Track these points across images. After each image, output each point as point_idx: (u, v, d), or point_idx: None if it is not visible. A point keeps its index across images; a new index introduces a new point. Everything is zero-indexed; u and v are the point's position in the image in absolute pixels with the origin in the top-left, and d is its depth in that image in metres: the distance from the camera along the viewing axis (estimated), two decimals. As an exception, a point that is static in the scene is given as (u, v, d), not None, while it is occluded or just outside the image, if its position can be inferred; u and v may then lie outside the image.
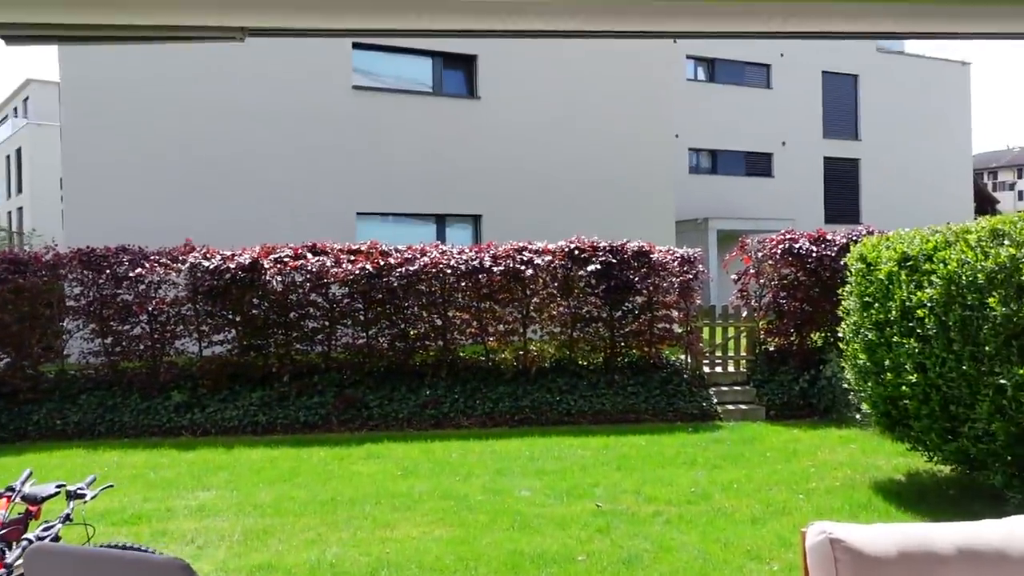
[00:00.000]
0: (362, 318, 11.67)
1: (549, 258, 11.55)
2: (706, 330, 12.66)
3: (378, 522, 6.73)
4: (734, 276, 12.90)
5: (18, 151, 40.88)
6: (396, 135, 17.65)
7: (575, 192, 18.80)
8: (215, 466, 8.83)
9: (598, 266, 11.48)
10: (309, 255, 11.38)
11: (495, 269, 11.35)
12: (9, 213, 42.55)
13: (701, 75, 29.42)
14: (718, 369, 12.52)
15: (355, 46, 17.36)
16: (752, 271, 12.67)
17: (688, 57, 28.53)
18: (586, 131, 19.13)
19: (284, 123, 16.66)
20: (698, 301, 12.40)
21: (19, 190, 41.13)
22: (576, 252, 11.63)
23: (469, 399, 11.22)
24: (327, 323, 11.71)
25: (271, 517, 6.94)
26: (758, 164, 29.92)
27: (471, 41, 17.72)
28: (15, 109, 47.15)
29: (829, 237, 11.99)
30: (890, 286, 7.08)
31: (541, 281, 11.69)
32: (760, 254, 12.55)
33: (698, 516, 6.79)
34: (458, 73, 18.76)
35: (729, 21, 2.63)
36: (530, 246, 11.71)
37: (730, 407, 11.61)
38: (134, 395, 11.06)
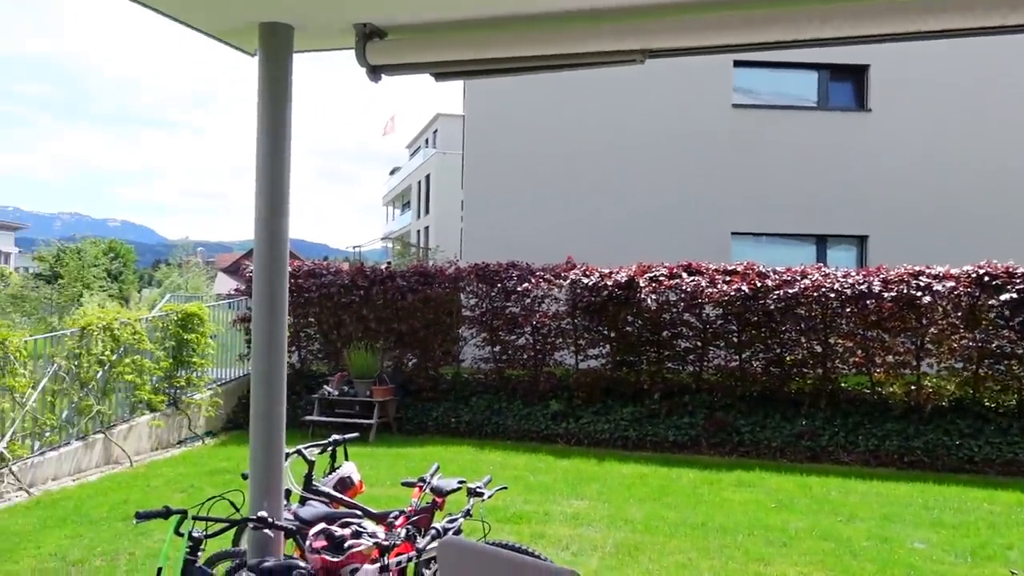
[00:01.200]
0: (735, 340, 11.35)
1: (952, 284, 10.28)
2: None
3: (751, 555, 6.42)
4: None
5: (427, 177, 46.40)
6: (775, 153, 17.02)
7: (981, 210, 16.62)
8: (587, 476, 9.10)
9: (1015, 295, 9.98)
10: (684, 274, 11.33)
11: (886, 295, 10.38)
12: (418, 232, 48.41)
13: None
14: None
15: (736, 64, 17.08)
16: None
17: None
18: (996, 140, 16.85)
19: (662, 145, 16.89)
20: None
21: (427, 211, 46.62)
22: (986, 278, 10.22)
23: (851, 433, 10.37)
24: (699, 343, 11.57)
25: (641, 534, 6.94)
26: None
27: (862, 50, 16.54)
28: (426, 140, 53.69)
29: None
30: None
31: (941, 310, 10.46)
32: None
33: None
34: (845, 85, 17.60)
35: None
36: (928, 270, 10.54)
37: None
38: (517, 401, 11.84)
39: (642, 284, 11.21)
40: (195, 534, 3.67)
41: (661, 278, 11.29)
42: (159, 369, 10.84)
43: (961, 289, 10.26)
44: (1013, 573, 6.09)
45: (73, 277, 34.06)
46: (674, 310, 11.33)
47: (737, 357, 11.42)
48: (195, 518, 3.68)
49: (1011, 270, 10.20)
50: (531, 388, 12.02)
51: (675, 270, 11.45)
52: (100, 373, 9.71)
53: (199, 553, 3.71)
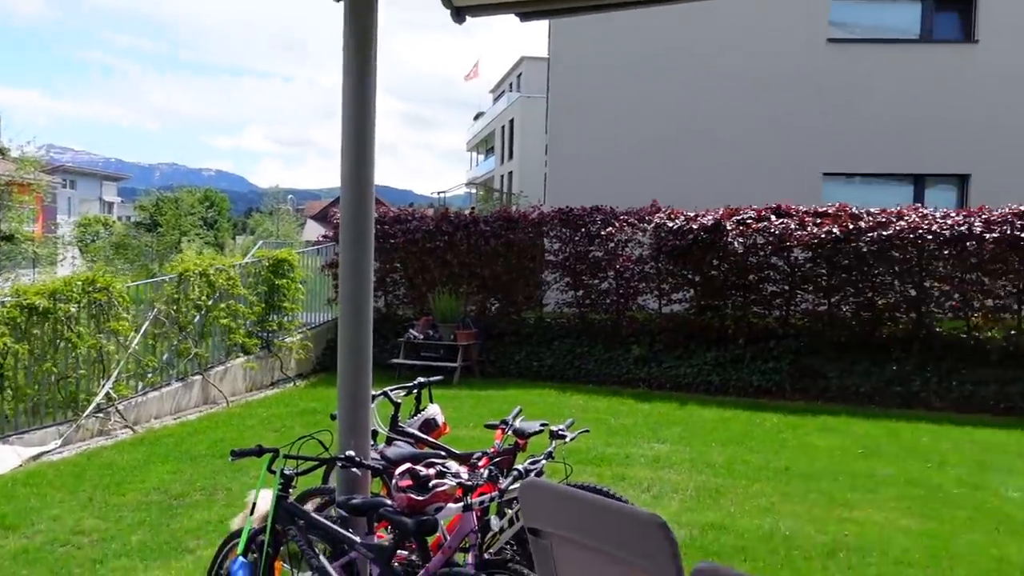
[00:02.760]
0: (824, 284, 11.06)
1: (1059, 224, 9.76)
2: None
3: (835, 500, 6.35)
4: None
5: (511, 122, 46.12)
6: (871, 89, 16.26)
7: (1095, 147, 15.61)
8: (669, 420, 9.10)
9: None
10: (772, 217, 11.05)
11: (987, 236, 9.92)
12: (502, 177, 48.38)
13: None
14: None
15: (833, -4, 16.34)
16: None
17: None
18: (1116, 72, 15.72)
19: (753, 83, 16.32)
20: None
21: (510, 156, 46.47)
22: (1097, 218, 9.67)
23: (944, 379, 10.05)
24: (787, 287, 11.33)
25: (723, 477, 6.93)
26: None
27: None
28: (510, 84, 53.22)
29: None
30: None
31: (1047, 251, 9.95)
32: None
33: None
34: (952, 16, 16.62)
35: None
36: (1036, 210, 10.02)
37: None
38: (598, 345, 11.86)
39: (729, 227, 10.99)
40: (287, 472, 3.82)
41: (749, 221, 11.03)
42: (252, 313, 11.24)
43: (1070, 229, 9.72)
44: (1115, 524, 5.86)
45: (171, 225, 35.34)
46: (761, 253, 11.09)
47: (826, 301, 11.14)
48: (286, 456, 3.83)
49: None
50: (613, 332, 12.01)
51: (763, 212, 11.17)
52: (197, 317, 10.14)
53: (291, 490, 3.87)
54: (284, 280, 11.67)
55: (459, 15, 3.74)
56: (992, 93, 15.95)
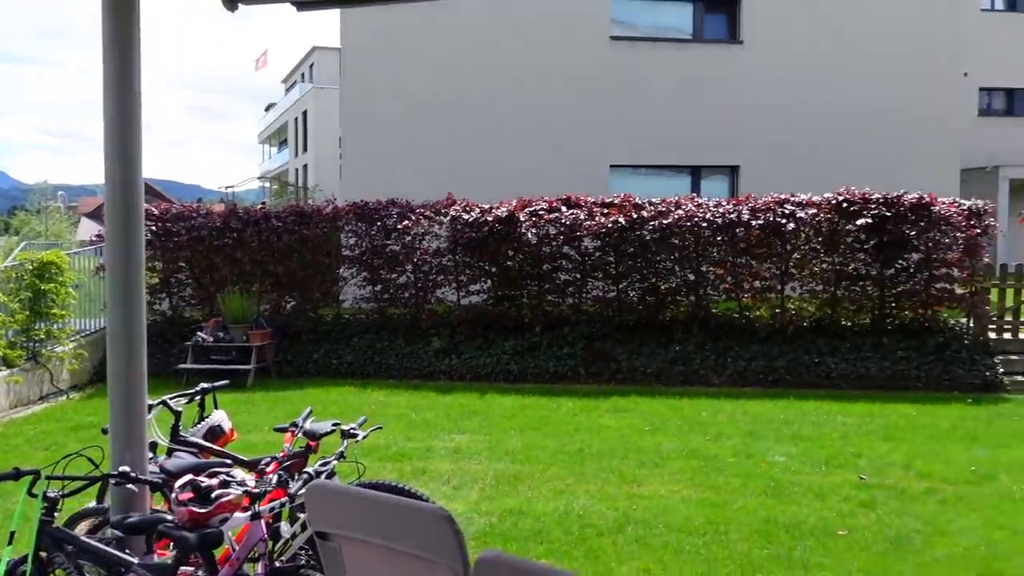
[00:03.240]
0: (613, 271, 11.61)
1: (814, 211, 10.78)
2: (994, 292, 11.28)
3: (625, 477, 6.69)
4: (1032, 232, 11.36)
5: (304, 113, 44.93)
6: (652, 85, 17.23)
7: (844, 141, 17.39)
8: (470, 411, 9.22)
9: (869, 220, 10.54)
10: (563, 208, 11.45)
11: (754, 223, 10.80)
12: (296, 170, 47.07)
13: (999, 3, 26.00)
14: (1006, 335, 11.15)
15: (613, -6, 17.12)
16: (1056, 226, 11.10)
17: (984, -15, 25.32)
18: (859, 74, 17.56)
19: (541, 77, 16.82)
20: (986, 259, 11.08)
21: (304, 149, 45.28)
22: (845, 205, 10.76)
23: (720, 356, 10.85)
24: (579, 275, 11.78)
25: (521, 464, 7.12)
26: (1065, 103, 26.07)
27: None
28: (302, 75, 51.81)
29: None
30: None
31: (803, 236, 10.98)
32: (1067, 206, 10.94)
33: (980, 498, 6.08)
34: (720, 17, 17.90)
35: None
36: (793, 198, 11.01)
37: (1019, 378, 10.32)
38: (399, 340, 11.82)
39: (522, 218, 11.28)
40: (50, 494, 3.53)
41: (541, 212, 11.38)
42: (14, 322, 10.26)
43: (822, 215, 10.77)
44: (862, 478, 6.57)
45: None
46: (554, 243, 11.46)
47: (615, 288, 11.70)
48: (48, 477, 3.54)
49: (867, 196, 10.77)
50: (413, 326, 12.02)
51: (554, 204, 11.56)
52: (-53, 329, 9.12)
53: (56, 513, 3.58)
54: (52, 284, 10.71)
55: (231, 2, 3.57)
56: (757, 91, 17.34)
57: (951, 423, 8.42)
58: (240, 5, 3.78)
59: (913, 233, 10.63)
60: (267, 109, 60.26)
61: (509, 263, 11.74)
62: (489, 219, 11.36)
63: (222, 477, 3.70)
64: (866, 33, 17.63)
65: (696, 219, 10.96)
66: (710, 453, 7.34)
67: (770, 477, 6.61)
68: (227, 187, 40.22)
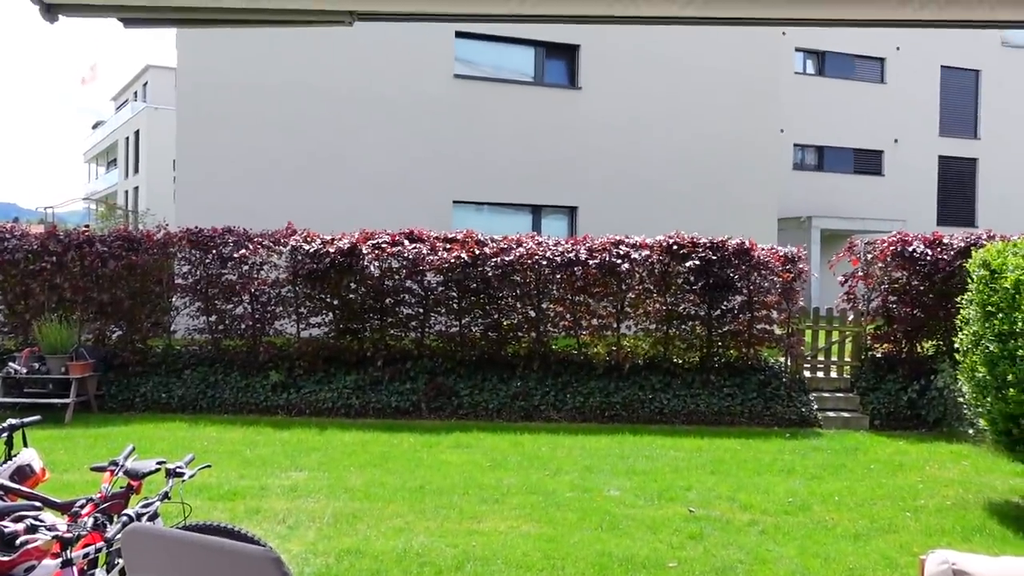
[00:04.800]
0: (456, 307, 11.68)
1: (647, 253, 11.30)
2: (808, 333, 12.19)
3: (465, 514, 6.70)
4: (840, 278, 12.37)
5: (136, 133, 42.74)
6: (495, 124, 17.63)
7: (674, 186, 18.42)
8: (308, 447, 8.97)
9: (697, 262, 11.17)
10: (406, 242, 11.45)
11: (591, 262, 11.18)
12: (127, 192, 44.58)
13: (810, 68, 28.38)
14: (819, 374, 12.04)
15: (458, 35, 17.40)
16: (860, 273, 12.14)
17: (797, 49, 27.54)
18: (687, 124, 18.71)
19: (385, 111, 16.84)
20: (800, 302, 11.96)
21: (136, 170, 43.02)
22: (675, 247, 11.35)
23: (560, 392, 11.11)
24: (422, 310, 11.77)
25: (361, 501, 6.99)
26: (867, 162, 28.70)
27: (574, 30, 17.52)
28: (135, 93, 49.32)
29: (945, 240, 11.36)
30: (1017, 295, 6.61)
31: (638, 276, 11.46)
32: (870, 256, 12.01)
33: (796, 528, 6.51)
34: (560, 63, 18.60)
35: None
36: (627, 240, 11.50)
37: (831, 414, 11.16)
38: (234, 373, 11.37)
39: (365, 251, 11.18)
40: None
41: (384, 245, 11.32)
42: None
43: (655, 257, 11.30)
44: (691, 511, 6.88)
45: None
46: (397, 277, 11.42)
47: (458, 323, 11.76)
48: None
49: (695, 240, 11.40)
50: (250, 358, 11.60)
51: (397, 237, 11.54)
52: None
53: None
54: None
55: (50, 12, 3.34)
56: (594, 135, 18.10)
57: (771, 456, 8.97)
58: (61, 16, 3.56)
59: (736, 276, 11.34)
60: (95, 127, 56.90)
61: (351, 296, 11.59)
62: (331, 250, 11.19)
63: (29, 521, 3.43)
64: (695, 88, 18.81)
65: (537, 257, 11.23)
66: (549, 488, 7.47)
67: (606, 511, 6.80)
68: (47, 207, 37.54)
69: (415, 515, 6.64)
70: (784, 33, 22.27)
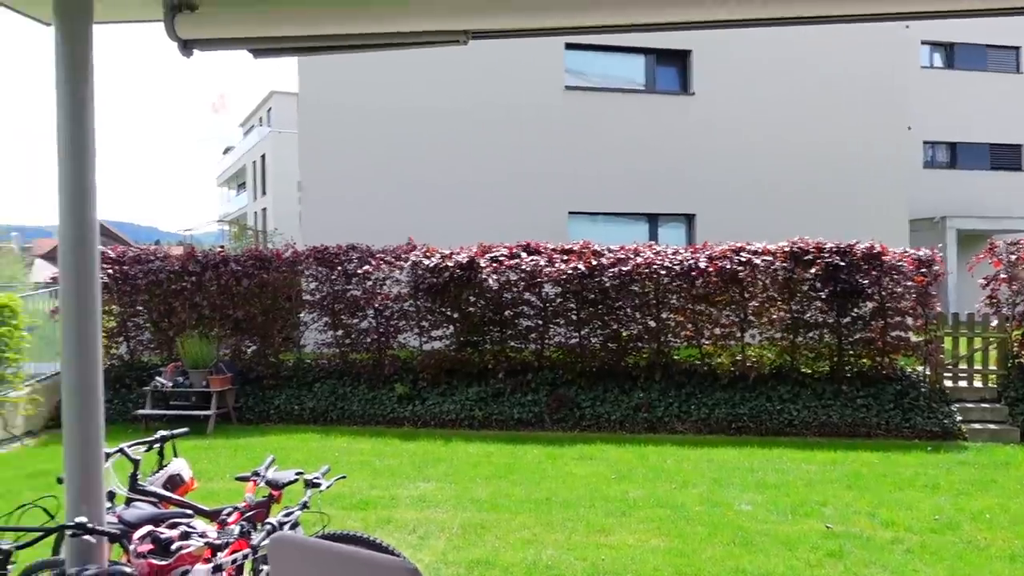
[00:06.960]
0: (575, 318, 11.65)
1: (769, 259, 10.98)
2: (947, 340, 11.55)
3: (593, 526, 6.65)
4: (981, 281, 11.68)
5: (263, 157, 44.71)
6: (607, 134, 17.53)
7: (796, 190, 17.84)
8: (434, 458, 9.12)
9: (823, 268, 10.78)
10: (523, 254, 11.51)
11: (711, 270, 10.95)
12: (255, 214, 46.66)
13: (938, 61, 27.06)
14: (962, 384, 11.38)
15: (568, 47, 17.43)
16: (1004, 276, 11.43)
17: (923, 43, 26.33)
18: (808, 125, 18.10)
19: (499, 125, 17.03)
20: (938, 308, 11.36)
21: (263, 192, 44.97)
22: (799, 253, 10.98)
23: (684, 404, 10.91)
24: (540, 322, 11.80)
25: (488, 512, 7.04)
26: (1005, 157, 27.07)
27: (686, 35, 17.26)
28: (260, 119, 51.65)
29: (1100, 238, 10.58)
30: None
31: (760, 283, 11.15)
32: (1013, 257, 11.31)
33: (945, 547, 6.15)
34: (671, 69, 18.35)
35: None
36: (748, 247, 11.20)
37: (976, 426, 10.53)
38: (361, 385, 11.70)
39: (483, 264, 11.30)
40: (3, 546, 3.39)
41: (501, 258, 11.42)
42: (-34, 368, 9.97)
43: (777, 263, 10.96)
44: (828, 527, 6.61)
45: None
46: (515, 289, 11.49)
47: (576, 334, 11.73)
48: (1, 529, 3.41)
49: (820, 245, 11.00)
50: (375, 371, 11.90)
51: (515, 250, 11.62)
52: None
53: (9, 567, 3.44)
54: (4, 328, 10.45)
55: (187, 48, 3.53)
56: (710, 140, 17.75)
57: (912, 471, 8.53)
58: (195, 51, 3.75)
59: (866, 282, 10.86)
60: (225, 152, 59.88)
61: (471, 308, 11.73)
62: (450, 264, 11.37)
63: (182, 528, 3.61)
64: (815, 88, 18.20)
65: (655, 266, 11.08)
66: (676, 501, 7.33)
67: (737, 526, 6.62)
68: (186, 230, 39.76)
69: (542, 527, 6.63)
70: (907, 27, 21.28)
